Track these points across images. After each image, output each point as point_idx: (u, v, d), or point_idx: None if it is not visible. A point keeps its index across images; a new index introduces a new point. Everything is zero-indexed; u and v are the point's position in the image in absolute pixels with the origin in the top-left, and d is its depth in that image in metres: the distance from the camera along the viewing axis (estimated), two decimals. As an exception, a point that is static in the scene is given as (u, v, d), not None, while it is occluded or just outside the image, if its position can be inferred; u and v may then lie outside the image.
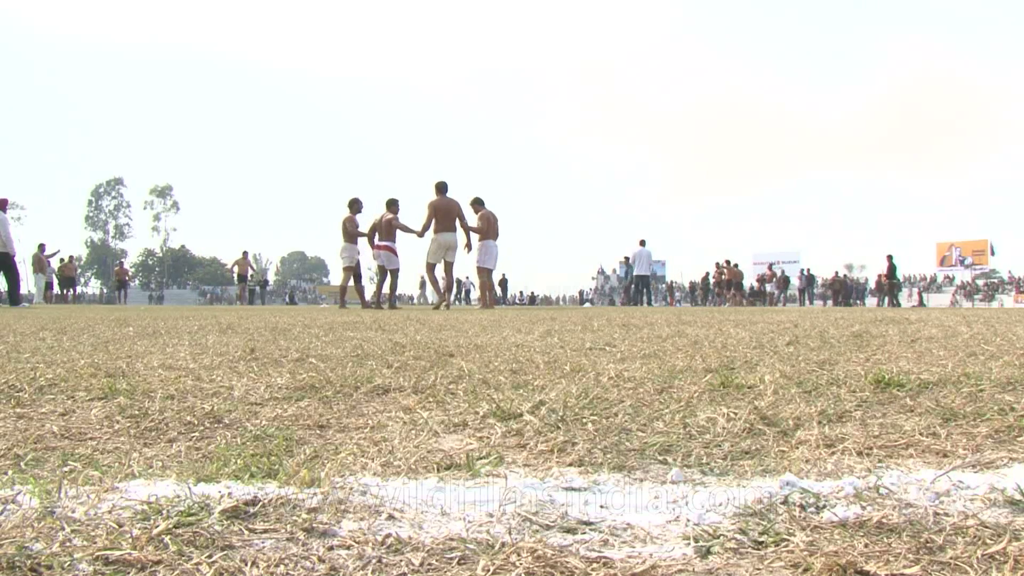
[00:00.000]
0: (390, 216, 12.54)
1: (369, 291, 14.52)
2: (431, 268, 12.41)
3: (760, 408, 1.67)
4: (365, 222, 13.24)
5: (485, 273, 12.67)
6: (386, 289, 12.98)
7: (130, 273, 37.08)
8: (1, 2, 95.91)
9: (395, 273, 12.80)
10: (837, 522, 0.91)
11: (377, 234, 12.75)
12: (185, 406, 1.77)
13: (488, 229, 12.58)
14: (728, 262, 30.48)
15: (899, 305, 26.83)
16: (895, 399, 1.84)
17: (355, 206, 13.19)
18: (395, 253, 12.69)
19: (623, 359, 2.82)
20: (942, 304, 38.29)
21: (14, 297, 13.40)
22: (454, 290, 12.36)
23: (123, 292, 30.32)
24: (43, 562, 0.77)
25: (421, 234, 12.07)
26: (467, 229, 12.14)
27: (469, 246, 12.31)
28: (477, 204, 12.70)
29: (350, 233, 13.18)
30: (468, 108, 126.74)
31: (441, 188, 11.96)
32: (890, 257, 27.42)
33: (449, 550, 0.83)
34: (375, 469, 1.19)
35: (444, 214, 11.85)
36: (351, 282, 13.55)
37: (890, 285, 27.96)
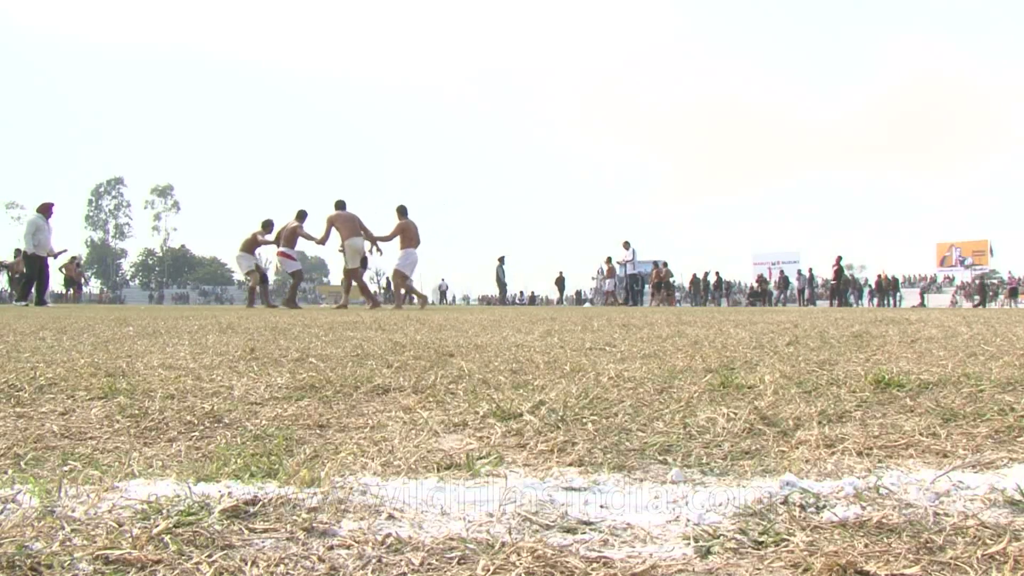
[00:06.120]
0: (294, 225, 14.02)
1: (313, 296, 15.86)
2: (355, 273, 13.39)
3: (760, 408, 1.67)
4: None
5: (400, 276, 13.49)
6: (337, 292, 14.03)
7: (81, 269, 31.83)
8: (1, 2, 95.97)
9: (297, 275, 14.50)
10: (837, 522, 0.91)
11: (280, 241, 14.21)
12: (185, 406, 1.77)
13: (404, 237, 13.35)
14: (664, 263, 30.25)
15: (849, 304, 27.55)
16: (895, 399, 1.84)
17: (267, 226, 14.80)
18: (292, 258, 14.35)
19: (623, 359, 2.82)
20: (942, 305, 38.31)
21: (40, 297, 14.87)
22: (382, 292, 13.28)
23: (72, 291, 26.75)
24: (43, 561, 0.77)
25: (321, 242, 13.44)
26: (370, 238, 13.22)
27: (379, 251, 13.38)
28: (399, 212, 13.49)
29: (248, 244, 14.77)
30: (469, 108, 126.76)
31: (339, 205, 13.17)
32: (839, 259, 28.41)
33: (449, 550, 0.83)
34: (375, 469, 1.19)
35: (344, 224, 13.02)
36: (261, 284, 15.23)
37: (836, 286, 28.67)
